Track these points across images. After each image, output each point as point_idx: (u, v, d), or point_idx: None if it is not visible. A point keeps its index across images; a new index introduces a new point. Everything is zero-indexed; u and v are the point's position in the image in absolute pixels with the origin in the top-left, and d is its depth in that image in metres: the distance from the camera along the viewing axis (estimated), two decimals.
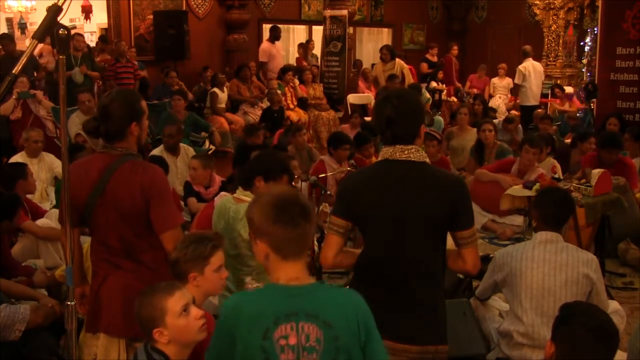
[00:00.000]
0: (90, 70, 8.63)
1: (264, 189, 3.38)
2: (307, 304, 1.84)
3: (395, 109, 2.38)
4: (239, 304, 1.90)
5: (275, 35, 11.17)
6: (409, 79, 10.76)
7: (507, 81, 11.97)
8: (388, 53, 10.81)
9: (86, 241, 2.96)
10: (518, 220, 5.86)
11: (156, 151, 6.45)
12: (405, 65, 11.00)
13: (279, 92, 9.98)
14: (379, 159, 2.46)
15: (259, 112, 9.78)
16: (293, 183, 3.95)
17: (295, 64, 12.06)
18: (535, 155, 6.01)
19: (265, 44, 11.33)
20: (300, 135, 7.69)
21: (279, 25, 11.46)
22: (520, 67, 10.67)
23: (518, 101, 11.06)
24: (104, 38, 10.63)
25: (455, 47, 12.94)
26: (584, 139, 6.74)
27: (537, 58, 12.61)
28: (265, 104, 9.93)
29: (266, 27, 11.91)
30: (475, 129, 7.68)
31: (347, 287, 3.02)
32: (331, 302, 1.88)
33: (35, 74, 8.58)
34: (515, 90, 11.12)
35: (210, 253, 2.46)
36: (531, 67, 10.62)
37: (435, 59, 12.65)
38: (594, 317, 2.13)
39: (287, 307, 1.83)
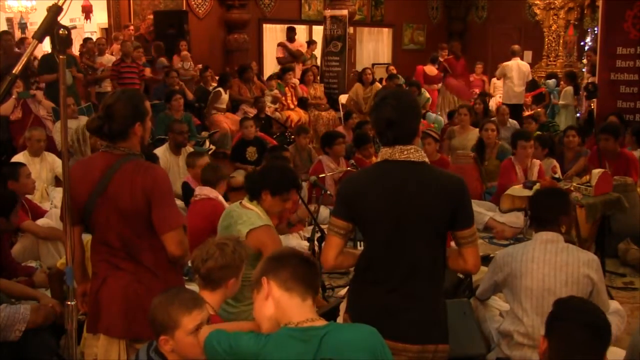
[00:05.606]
0: (77, 72, 8.65)
1: (270, 202, 3.35)
2: (326, 351, 1.89)
3: (394, 110, 2.37)
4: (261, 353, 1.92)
5: (289, 37, 11.55)
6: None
7: None
8: (372, 76, 10.54)
9: (87, 237, 2.96)
10: (519, 222, 5.85)
11: (158, 151, 6.39)
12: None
13: (270, 96, 9.95)
14: (378, 159, 2.46)
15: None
16: None
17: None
18: (532, 148, 6.14)
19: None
20: (304, 137, 7.68)
21: (292, 26, 11.69)
22: (503, 64, 10.59)
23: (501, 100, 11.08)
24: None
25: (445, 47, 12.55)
26: (564, 133, 7.18)
27: (538, 58, 12.63)
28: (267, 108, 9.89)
29: (266, 27, 11.94)
30: (476, 129, 7.69)
31: (347, 287, 3.02)
32: (350, 344, 1.93)
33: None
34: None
35: (246, 257, 2.49)
36: (515, 66, 10.50)
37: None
38: (587, 312, 2.13)
39: (308, 355, 1.88)
